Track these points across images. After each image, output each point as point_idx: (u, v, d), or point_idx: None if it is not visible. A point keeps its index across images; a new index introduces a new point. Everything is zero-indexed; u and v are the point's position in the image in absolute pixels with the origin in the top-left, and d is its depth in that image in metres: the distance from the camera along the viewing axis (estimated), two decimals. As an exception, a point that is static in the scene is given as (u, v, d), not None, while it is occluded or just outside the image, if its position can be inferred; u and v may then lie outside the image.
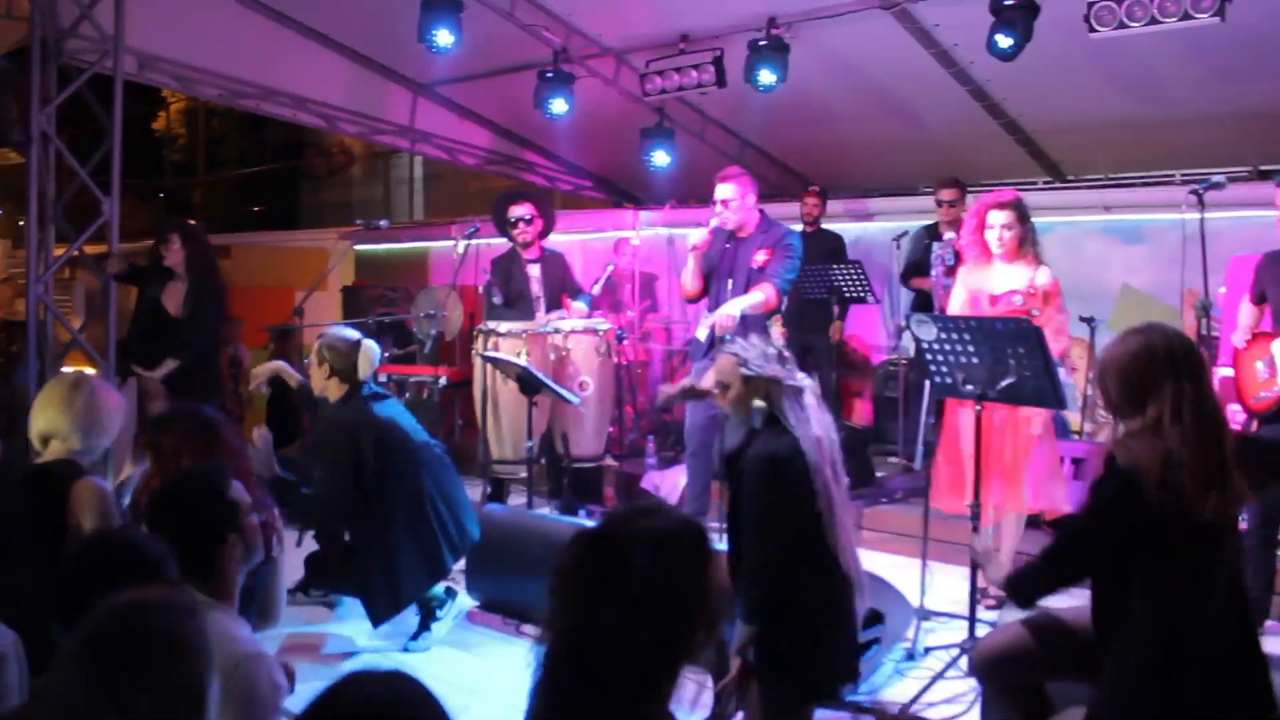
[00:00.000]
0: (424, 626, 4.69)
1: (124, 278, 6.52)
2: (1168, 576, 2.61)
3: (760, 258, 5.52)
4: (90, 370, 6.65)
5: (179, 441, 3.13)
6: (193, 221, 7.07)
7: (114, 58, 6.54)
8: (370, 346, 4.67)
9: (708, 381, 3.57)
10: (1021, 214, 4.93)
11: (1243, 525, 4.72)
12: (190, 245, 6.37)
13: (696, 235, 5.60)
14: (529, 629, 4.81)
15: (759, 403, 3.39)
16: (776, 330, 5.38)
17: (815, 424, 3.30)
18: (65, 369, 6.38)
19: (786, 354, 3.45)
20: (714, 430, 5.65)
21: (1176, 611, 2.59)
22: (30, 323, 6.69)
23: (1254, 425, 4.66)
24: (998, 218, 4.91)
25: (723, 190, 5.56)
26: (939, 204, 6.84)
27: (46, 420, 3.38)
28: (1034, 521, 5.30)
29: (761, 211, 5.71)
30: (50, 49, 6.48)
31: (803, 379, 3.40)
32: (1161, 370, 2.68)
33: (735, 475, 3.39)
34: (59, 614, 2.06)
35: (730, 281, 5.56)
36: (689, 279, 5.70)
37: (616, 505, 1.89)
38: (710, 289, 5.67)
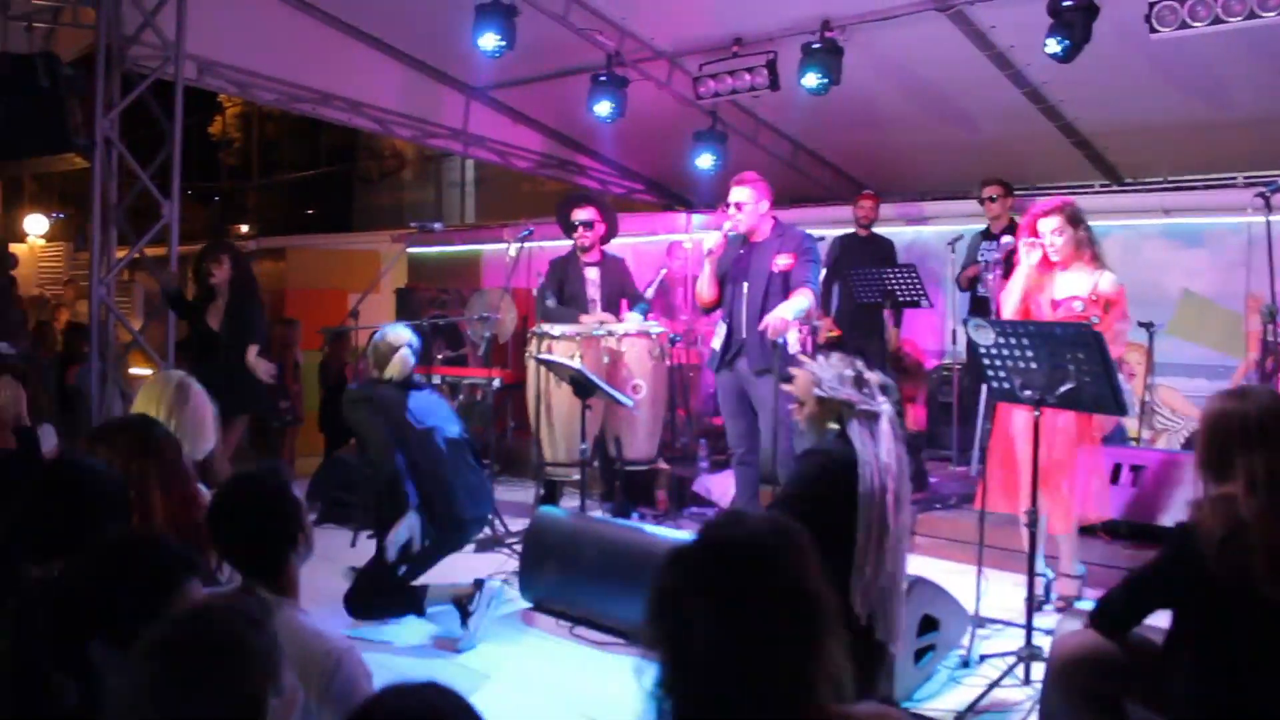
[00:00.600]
0: (464, 623, 4.71)
1: (174, 301, 6.63)
2: (1224, 648, 2.55)
3: (781, 261, 5.51)
4: (146, 371, 6.79)
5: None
6: (245, 229, 7.24)
7: (175, 64, 6.66)
8: (404, 356, 5.00)
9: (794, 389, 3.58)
10: (1071, 219, 4.88)
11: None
12: (238, 266, 6.56)
13: (712, 240, 5.61)
14: (583, 631, 4.84)
15: (833, 425, 3.42)
16: (825, 326, 5.38)
17: (885, 452, 3.30)
18: (162, 370, 6.48)
19: (869, 376, 3.46)
20: (756, 438, 5.65)
21: (1224, 687, 2.53)
22: (93, 323, 6.83)
23: None
24: (1046, 225, 4.89)
25: (737, 193, 5.56)
26: (982, 201, 6.87)
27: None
28: (1090, 530, 5.26)
29: (775, 217, 5.70)
30: (114, 56, 6.61)
31: (881, 404, 3.40)
32: (1248, 440, 2.60)
33: None
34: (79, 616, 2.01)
35: (746, 286, 5.56)
36: (705, 287, 5.71)
37: (711, 517, 1.82)
38: (724, 294, 5.67)
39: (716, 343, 5.75)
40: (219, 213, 22.08)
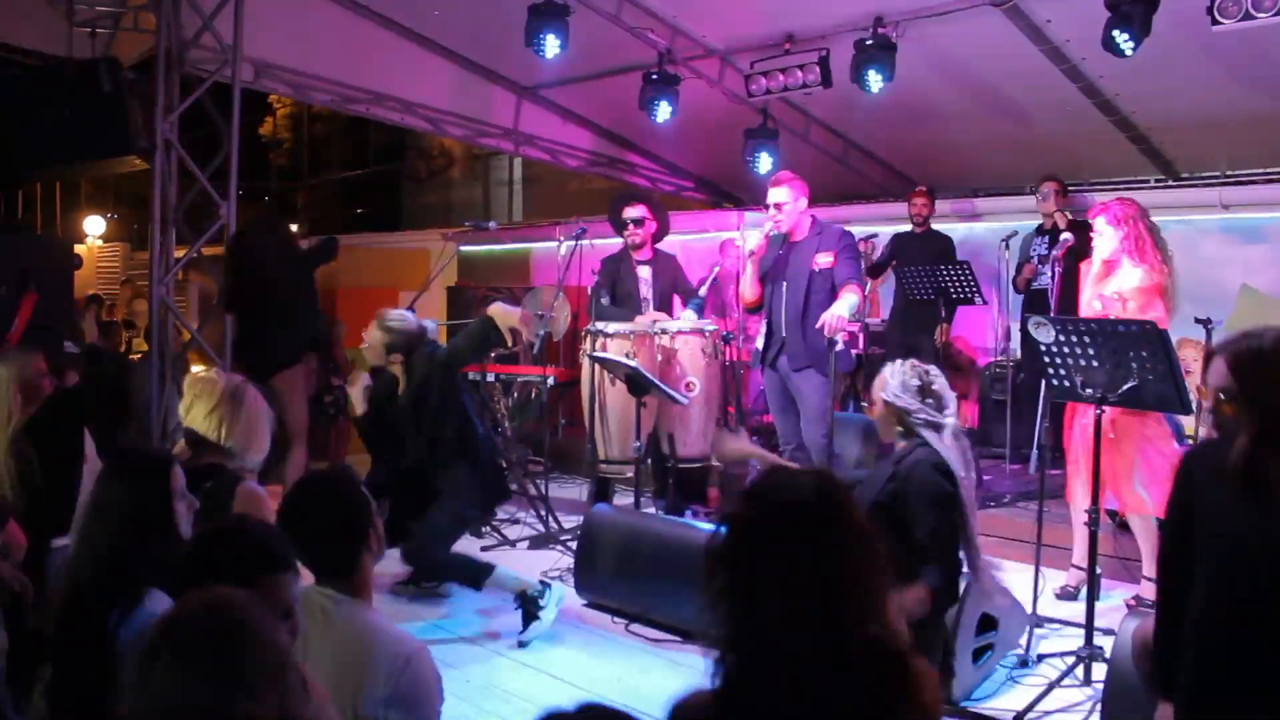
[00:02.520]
0: (529, 618, 4.74)
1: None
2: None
3: (823, 260, 5.53)
4: (201, 369, 6.89)
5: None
6: (295, 228, 7.36)
7: (233, 67, 6.75)
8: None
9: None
10: (1116, 218, 4.91)
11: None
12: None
13: (753, 241, 5.68)
14: (638, 628, 4.86)
15: (898, 428, 3.66)
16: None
17: (955, 463, 3.41)
18: (199, 370, 6.60)
19: (936, 387, 3.55)
20: (797, 428, 5.68)
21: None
22: (153, 323, 6.93)
23: None
24: (1096, 225, 5.02)
25: (775, 194, 5.61)
26: (1037, 199, 6.87)
27: (204, 425, 3.35)
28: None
29: (813, 216, 5.71)
30: (174, 59, 6.70)
31: (946, 416, 3.52)
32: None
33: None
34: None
35: (786, 285, 5.60)
36: (748, 287, 5.77)
37: (755, 480, 1.82)
38: (765, 295, 5.68)
39: (760, 341, 5.78)
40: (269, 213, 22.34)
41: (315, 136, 22.67)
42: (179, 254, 7.22)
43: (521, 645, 4.66)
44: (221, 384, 3.45)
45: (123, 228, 20.57)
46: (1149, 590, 4.99)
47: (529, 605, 4.71)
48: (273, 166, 23.10)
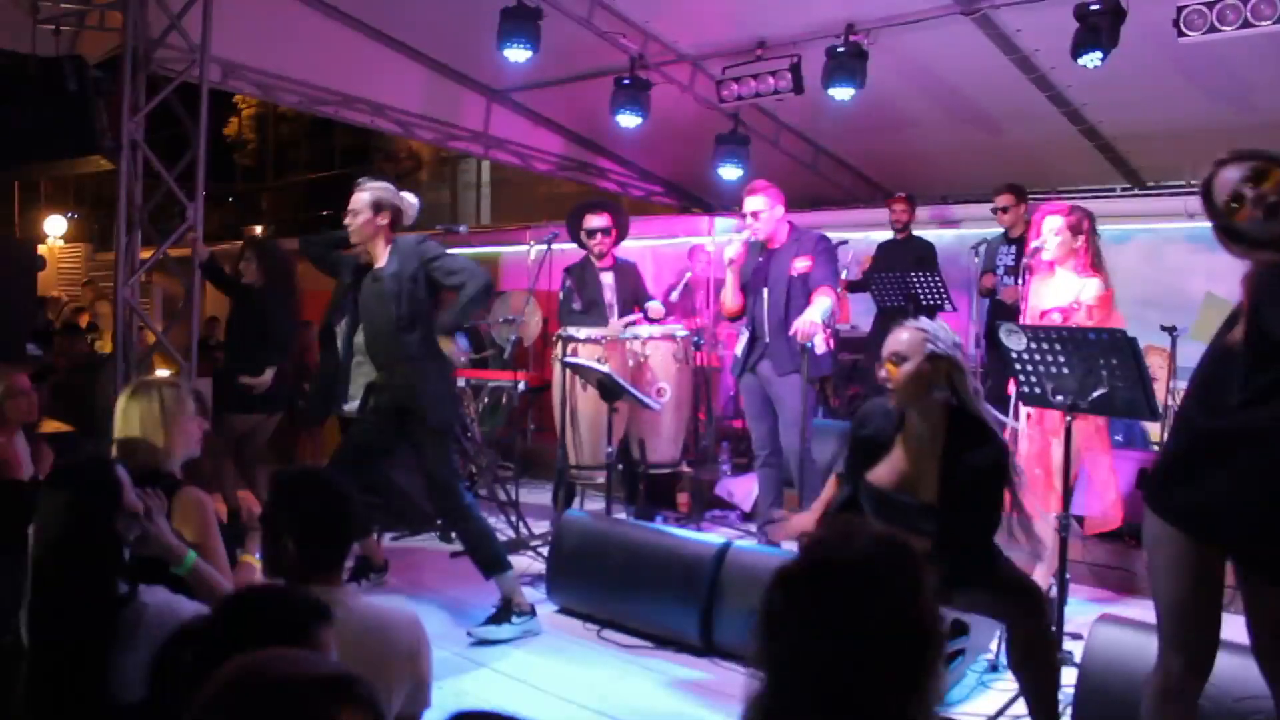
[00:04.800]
0: (496, 621, 4.72)
1: (211, 273, 6.70)
2: None
3: (801, 265, 5.55)
4: (166, 372, 6.82)
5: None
6: (260, 230, 7.30)
7: (200, 67, 6.68)
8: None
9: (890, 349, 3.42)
10: (1075, 225, 4.93)
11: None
12: (264, 260, 6.61)
13: (732, 250, 5.66)
14: (610, 634, 4.85)
15: (940, 388, 3.32)
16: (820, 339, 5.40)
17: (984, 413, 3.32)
18: (147, 377, 6.53)
19: (959, 342, 3.42)
20: (779, 440, 5.66)
21: None
22: (117, 325, 6.84)
23: None
24: (1050, 224, 4.96)
25: (751, 202, 5.62)
26: (994, 211, 6.89)
27: (131, 428, 3.30)
28: (1116, 534, 5.28)
29: (790, 222, 5.73)
30: (140, 59, 6.63)
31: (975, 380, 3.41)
32: None
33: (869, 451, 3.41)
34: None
35: (766, 292, 5.60)
36: (729, 296, 5.77)
37: (816, 533, 1.74)
38: (746, 303, 5.70)
39: (739, 348, 5.79)
40: (234, 214, 22.16)
41: (281, 138, 22.53)
42: (144, 255, 7.14)
43: (469, 636, 4.68)
44: (151, 385, 3.42)
45: (84, 228, 20.34)
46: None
47: (506, 611, 4.70)
48: (238, 167, 22.93)
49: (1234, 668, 2.97)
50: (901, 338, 3.38)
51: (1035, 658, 3.27)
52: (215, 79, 7.46)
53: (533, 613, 4.82)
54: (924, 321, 3.40)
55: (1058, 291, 4.94)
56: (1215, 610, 2.74)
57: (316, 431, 8.86)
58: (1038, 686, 3.35)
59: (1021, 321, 4.97)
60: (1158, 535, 2.77)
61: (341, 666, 1.43)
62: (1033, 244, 5.10)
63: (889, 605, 1.52)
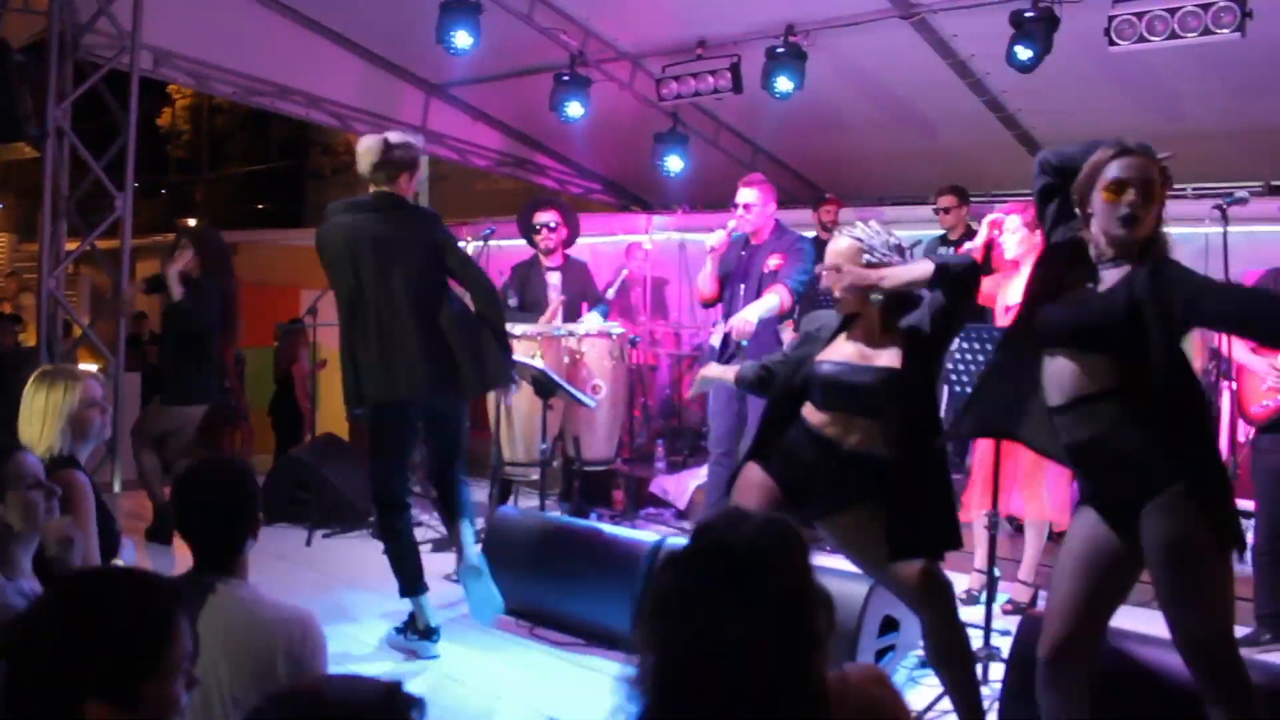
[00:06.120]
0: (409, 629, 4.66)
1: (154, 287, 6.55)
2: None
3: (773, 262, 5.56)
4: (93, 367, 6.68)
5: None
6: (196, 222, 7.16)
7: (130, 54, 6.55)
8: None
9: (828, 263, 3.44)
10: (1029, 223, 5.03)
11: (1251, 539, 4.78)
12: (201, 250, 6.49)
13: (715, 237, 5.64)
14: (543, 631, 4.82)
15: (876, 296, 3.33)
16: (788, 335, 5.40)
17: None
18: (49, 368, 6.38)
19: (905, 247, 3.44)
20: (735, 439, 5.66)
21: None
22: (41, 317, 6.68)
23: (1251, 433, 4.72)
24: (1012, 222, 5.04)
25: (745, 195, 5.60)
26: (936, 212, 6.96)
27: (33, 416, 3.34)
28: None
29: (776, 220, 5.74)
30: (67, 44, 6.48)
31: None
32: None
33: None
34: None
35: (743, 287, 5.60)
36: (706, 282, 5.74)
37: (704, 516, 1.72)
38: (725, 294, 5.70)
39: (715, 340, 5.76)
40: (166, 206, 21.78)
41: (216, 129, 22.20)
42: (71, 246, 6.98)
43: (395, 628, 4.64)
44: (54, 375, 3.45)
45: (8, 217, 19.86)
46: (1022, 593, 5.12)
47: (418, 623, 4.63)
48: (171, 159, 22.54)
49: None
50: (839, 248, 3.41)
51: (947, 654, 3.32)
52: (146, 67, 7.31)
53: (434, 637, 4.65)
54: (859, 229, 3.43)
55: (1019, 289, 5.00)
56: (1083, 586, 2.85)
57: (244, 425, 8.74)
58: (954, 682, 3.41)
59: (995, 321, 5.04)
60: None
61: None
62: (968, 246, 5.18)
63: (777, 584, 1.56)
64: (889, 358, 3.32)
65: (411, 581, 4.56)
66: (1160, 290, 2.67)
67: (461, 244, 7.12)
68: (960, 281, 3.28)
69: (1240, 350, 4.79)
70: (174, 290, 6.16)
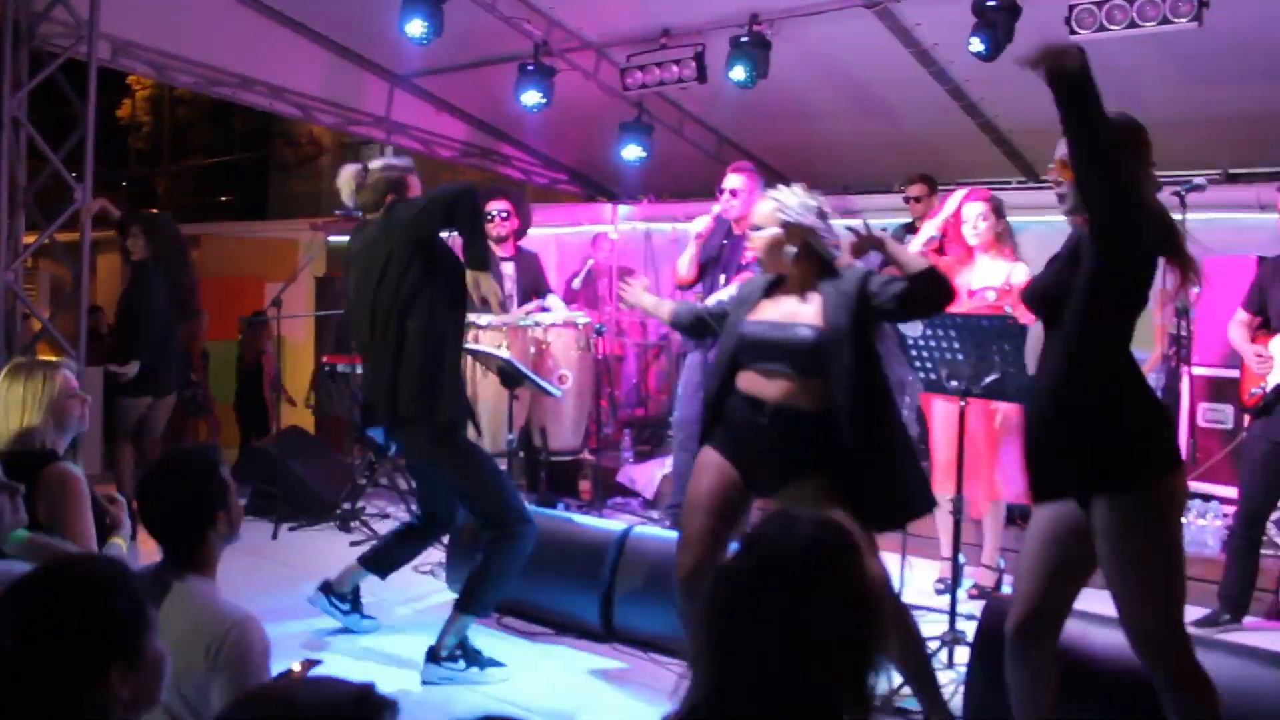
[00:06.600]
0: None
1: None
2: None
3: (751, 253, 5.57)
4: (53, 358, 6.60)
5: None
6: (155, 211, 7.10)
7: (88, 44, 6.46)
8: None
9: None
10: (996, 208, 5.12)
11: (1229, 523, 4.86)
12: (152, 236, 6.44)
13: (700, 222, 5.67)
14: (511, 620, 4.83)
15: (791, 248, 3.45)
16: None
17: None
18: (23, 359, 6.31)
19: (828, 210, 3.51)
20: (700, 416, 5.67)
21: None
22: (-1, 311, 6.60)
23: (1245, 420, 4.80)
24: (973, 209, 5.13)
25: (732, 180, 5.63)
26: (906, 201, 6.99)
27: (8, 409, 3.31)
28: (1016, 516, 5.44)
29: None
30: (23, 33, 6.39)
31: (840, 241, 3.51)
32: None
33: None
34: None
35: (723, 277, 5.63)
36: (685, 265, 5.76)
37: (757, 526, 1.68)
38: (705, 280, 5.72)
39: None
40: (126, 199, 21.54)
41: (178, 121, 21.95)
42: (29, 240, 6.89)
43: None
44: (29, 366, 3.43)
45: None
46: (987, 577, 5.19)
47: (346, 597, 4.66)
48: (131, 150, 22.28)
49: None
50: (760, 210, 3.54)
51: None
52: (104, 57, 7.21)
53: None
54: (778, 192, 3.53)
55: (987, 273, 5.07)
56: (1045, 566, 2.92)
57: (211, 418, 8.68)
58: (904, 664, 3.47)
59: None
60: None
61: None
62: (925, 229, 5.23)
63: (835, 592, 1.52)
64: (811, 316, 3.43)
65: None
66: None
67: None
68: (919, 306, 3.46)
69: (1234, 334, 4.87)
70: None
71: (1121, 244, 2.74)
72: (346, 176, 4.36)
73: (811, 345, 3.37)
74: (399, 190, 4.29)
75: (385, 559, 4.69)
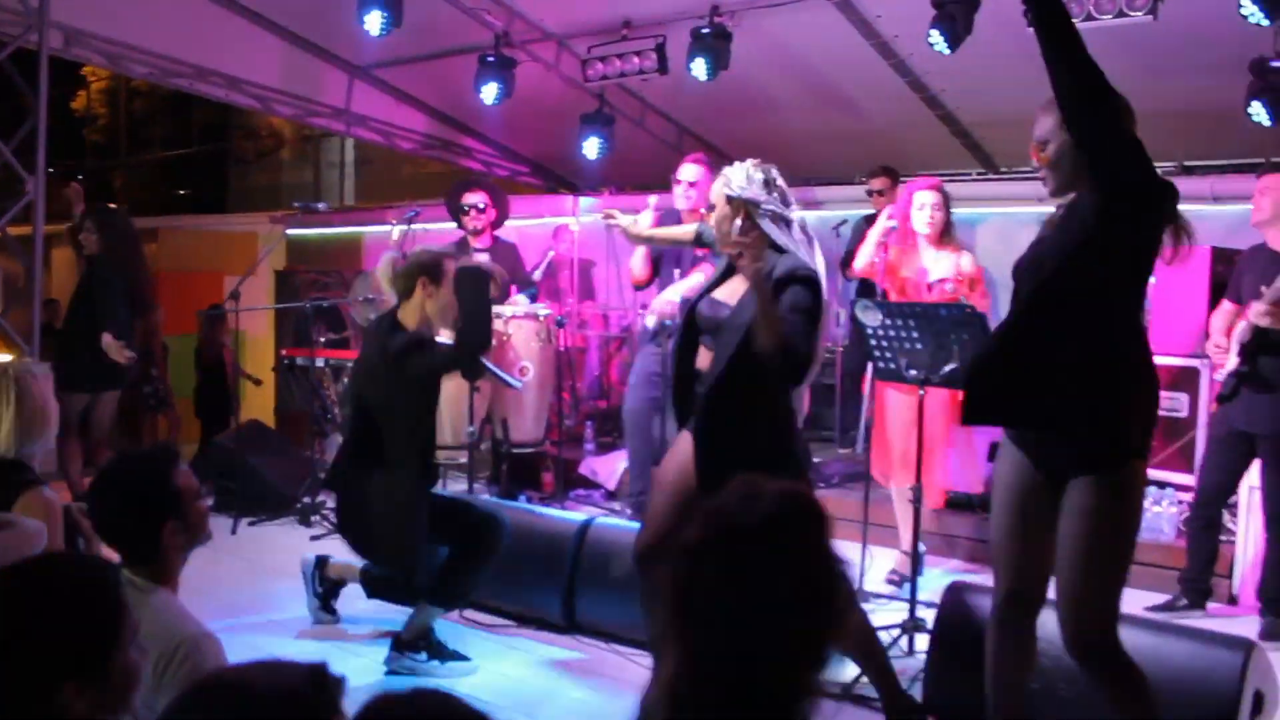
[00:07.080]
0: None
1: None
2: None
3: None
4: (7, 357, 6.49)
5: None
6: (112, 205, 7.01)
7: (39, 32, 6.36)
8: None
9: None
10: (946, 198, 5.15)
11: (1186, 506, 4.92)
12: (105, 229, 6.36)
13: (645, 221, 5.57)
14: (473, 614, 4.81)
15: (738, 221, 3.44)
16: None
17: (809, 258, 3.42)
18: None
19: (780, 183, 3.51)
20: (652, 414, 5.67)
21: None
22: (-51, 307, 6.50)
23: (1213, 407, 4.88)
24: (926, 198, 5.16)
25: (687, 171, 5.57)
26: (869, 194, 7.02)
27: None
28: (958, 504, 5.50)
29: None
30: (-30, 20, 6.29)
31: (793, 212, 3.50)
32: None
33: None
34: None
35: (677, 272, 5.60)
36: (638, 264, 5.76)
37: (719, 498, 1.65)
38: (659, 276, 5.70)
39: (650, 320, 5.74)
40: (83, 192, 21.25)
41: (135, 113, 21.69)
42: (-20, 232, 6.79)
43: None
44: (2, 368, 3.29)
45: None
46: (905, 563, 5.17)
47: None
48: (87, 143, 22.00)
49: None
50: (713, 190, 3.58)
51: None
52: (56, 46, 7.11)
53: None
54: (728, 168, 3.55)
55: (943, 265, 5.10)
56: (1033, 539, 2.89)
57: (170, 413, 8.58)
58: (857, 655, 3.49)
59: (889, 294, 5.11)
60: (1000, 456, 2.98)
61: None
62: (885, 216, 5.24)
63: (798, 561, 1.51)
64: (739, 295, 3.47)
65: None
66: None
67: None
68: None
69: (1214, 324, 4.91)
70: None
71: (1124, 168, 2.71)
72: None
73: (719, 324, 3.46)
74: (431, 277, 4.27)
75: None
